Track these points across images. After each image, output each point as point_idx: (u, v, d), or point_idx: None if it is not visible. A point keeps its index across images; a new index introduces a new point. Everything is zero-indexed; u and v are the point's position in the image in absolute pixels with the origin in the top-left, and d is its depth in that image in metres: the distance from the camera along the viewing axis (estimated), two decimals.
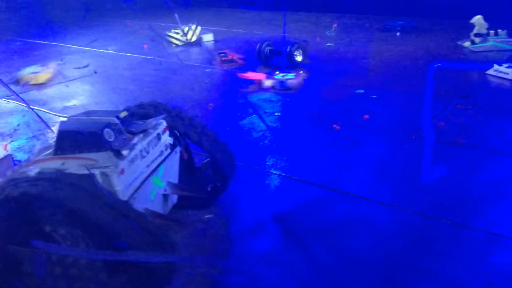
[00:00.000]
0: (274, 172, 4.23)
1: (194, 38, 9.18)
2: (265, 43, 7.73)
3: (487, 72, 6.83)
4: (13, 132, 5.23)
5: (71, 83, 7.28)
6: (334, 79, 6.98)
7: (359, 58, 8.15)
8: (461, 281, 2.80)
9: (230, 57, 8.06)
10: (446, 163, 4.27)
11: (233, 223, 3.53)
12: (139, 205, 2.72)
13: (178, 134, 3.35)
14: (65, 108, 6.00)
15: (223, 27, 11.20)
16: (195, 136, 3.36)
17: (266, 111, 5.72)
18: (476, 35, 8.52)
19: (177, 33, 9.07)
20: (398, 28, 10.08)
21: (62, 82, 7.27)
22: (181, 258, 3.10)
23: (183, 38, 8.98)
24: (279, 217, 3.53)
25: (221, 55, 8.09)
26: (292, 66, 7.56)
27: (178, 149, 3.31)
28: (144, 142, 2.87)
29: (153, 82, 7.20)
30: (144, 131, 2.97)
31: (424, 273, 2.87)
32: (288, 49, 7.48)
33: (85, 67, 8.21)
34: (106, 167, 2.54)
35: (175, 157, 3.27)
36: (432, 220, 3.42)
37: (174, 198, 3.28)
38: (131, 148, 2.74)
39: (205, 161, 3.57)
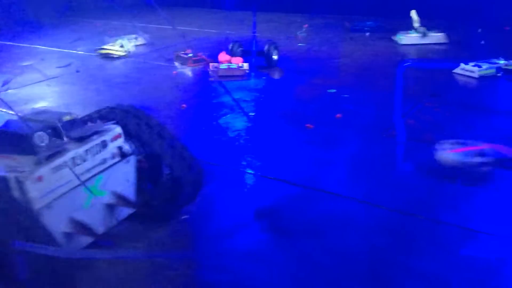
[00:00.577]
0: (250, 171, 4.25)
1: (132, 49, 8.95)
2: (237, 44, 7.74)
3: (454, 70, 7.01)
4: None
5: (38, 84, 7.12)
6: (306, 78, 7.04)
7: (330, 58, 8.24)
8: (439, 275, 2.86)
9: (199, 57, 8.02)
10: (418, 159, 4.36)
11: (210, 222, 3.53)
12: (60, 214, 2.65)
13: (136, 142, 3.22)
14: (33, 110, 5.87)
15: (195, 27, 11.16)
16: (158, 148, 3.20)
17: (241, 110, 5.73)
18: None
19: (113, 45, 8.84)
20: (367, 28, 10.25)
21: (29, 85, 7.10)
22: (158, 256, 3.09)
23: (123, 49, 8.72)
24: (256, 216, 3.54)
25: (189, 55, 8.02)
26: (270, 65, 7.55)
27: (132, 158, 3.15)
28: (81, 149, 2.77)
29: (124, 82, 7.12)
30: (87, 137, 2.86)
31: (408, 271, 2.93)
32: (266, 49, 7.48)
33: (66, 66, 8.06)
34: (22, 172, 2.47)
35: (127, 167, 3.12)
36: (409, 217, 3.49)
37: (125, 209, 3.15)
38: (59, 155, 2.65)
39: (167, 173, 3.34)
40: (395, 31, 9.29)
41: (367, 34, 10.00)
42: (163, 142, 3.21)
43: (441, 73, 7.09)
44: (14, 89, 6.82)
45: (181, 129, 5.25)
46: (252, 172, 4.24)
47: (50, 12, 12.18)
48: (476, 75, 6.72)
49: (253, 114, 5.66)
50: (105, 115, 3.22)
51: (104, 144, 2.93)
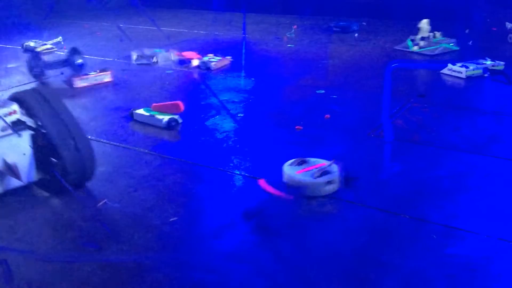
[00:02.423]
0: (238, 173, 4.25)
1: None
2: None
3: (442, 71, 7.07)
4: None
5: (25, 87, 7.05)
6: (295, 80, 7.05)
7: (319, 59, 8.25)
8: (423, 274, 2.89)
9: None
10: (405, 159, 4.40)
11: (199, 224, 3.53)
12: None
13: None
14: None
15: (184, 28, 11.13)
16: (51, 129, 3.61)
17: (230, 112, 5.73)
18: (422, 38, 8.56)
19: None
20: (345, 28, 10.31)
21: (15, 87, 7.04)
22: (145, 258, 3.08)
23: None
24: (244, 217, 3.54)
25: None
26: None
27: (25, 132, 3.62)
28: None
29: (114, 83, 7.07)
30: None
31: (386, 268, 2.96)
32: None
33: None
34: None
35: (19, 140, 3.60)
36: (392, 216, 3.52)
37: (21, 177, 3.60)
38: None
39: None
40: (379, 32, 9.32)
41: (356, 35, 10.05)
42: (59, 125, 3.63)
43: (428, 73, 7.15)
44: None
45: (168, 130, 5.24)
46: (241, 173, 4.24)
47: (36, 12, 12.04)
48: (463, 75, 6.78)
49: (242, 115, 5.66)
50: (15, 96, 3.77)
51: None
